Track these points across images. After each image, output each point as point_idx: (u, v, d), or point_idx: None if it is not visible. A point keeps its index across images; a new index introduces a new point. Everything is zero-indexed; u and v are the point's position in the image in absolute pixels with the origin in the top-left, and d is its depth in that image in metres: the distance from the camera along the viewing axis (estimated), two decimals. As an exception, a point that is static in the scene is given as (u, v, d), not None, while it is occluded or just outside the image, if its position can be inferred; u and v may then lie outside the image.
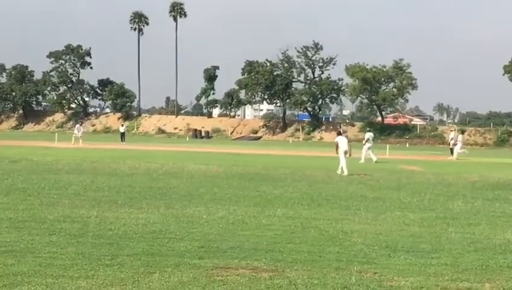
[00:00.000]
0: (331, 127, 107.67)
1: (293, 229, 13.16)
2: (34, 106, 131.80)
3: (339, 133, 32.81)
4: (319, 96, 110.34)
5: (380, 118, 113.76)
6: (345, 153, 29.60)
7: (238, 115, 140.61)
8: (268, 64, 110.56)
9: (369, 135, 43.49)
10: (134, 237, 11.77)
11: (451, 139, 53.99)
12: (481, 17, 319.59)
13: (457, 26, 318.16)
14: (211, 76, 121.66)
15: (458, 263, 10.40)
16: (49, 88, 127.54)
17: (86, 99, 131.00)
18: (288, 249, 11.02)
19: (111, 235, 11.90)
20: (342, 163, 29.39)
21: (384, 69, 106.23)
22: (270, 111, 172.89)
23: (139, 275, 9.07)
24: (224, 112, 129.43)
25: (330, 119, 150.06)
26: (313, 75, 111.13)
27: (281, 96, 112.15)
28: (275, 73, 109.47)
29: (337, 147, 30.24)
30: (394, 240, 12.23)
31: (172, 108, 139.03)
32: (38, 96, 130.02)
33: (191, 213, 14.92)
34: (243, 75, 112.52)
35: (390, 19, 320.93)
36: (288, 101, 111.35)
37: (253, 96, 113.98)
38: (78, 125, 63.50)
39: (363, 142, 43.25)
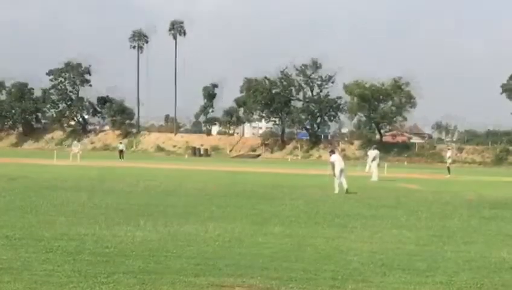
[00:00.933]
0: (330, 145, 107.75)
1: (290, 248, 13.17)
2: (33, 123, 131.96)
3: (332, 152, 31.46)
4: (318, 114, 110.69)
5: (378, 136, 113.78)
6: (341, 171, 28.81)
7: (237, 133, 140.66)
8: (267, 82, 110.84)
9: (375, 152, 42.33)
10: (131, 254, 11.78)
11: (449, 157, 54.24)
12: (479, 33, 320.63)
13: (457, 42, 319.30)
14: (210, 94, 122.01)
15: (453, 282, 10.41)
16: (48, 106, 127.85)
17: (86, 116, 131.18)
18: (284, 267, 11.04)
19: (107, 253, 11.91)
20: (336, 181, 28.68)
21: (383, 87, 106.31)
22: (269, 129, 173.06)
23: (135, 293, 9.09)
24: (223, 129, 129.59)
25: (329, 137, 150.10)
26: (312, 93, 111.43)
27: (280, 114, 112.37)
28: (273, 91, 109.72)
29: (333, 166, 29.29)
30: (390, 258, 12.24)
31: (172, 125, 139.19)
32: (37, 113, 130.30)
33: (188, 231, 14.93)
34: (241, 92, 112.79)
35: (393, 34, 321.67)
36: (287, 119, 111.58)
37: (251, 114, 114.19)
38: (75, 142, 63.56)
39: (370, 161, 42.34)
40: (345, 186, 28.49)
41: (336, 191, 28.34)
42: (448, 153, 56.33)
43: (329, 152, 32.23)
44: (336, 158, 29.79)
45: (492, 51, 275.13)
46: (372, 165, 41.59)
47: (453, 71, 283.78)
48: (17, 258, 11.08)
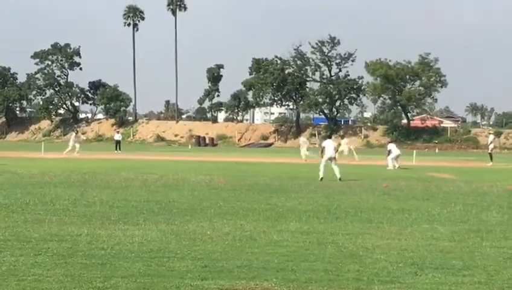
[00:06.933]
0: (351, 132, 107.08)
1: (308, 246, 13.17)
2: (17, 112, 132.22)
3: (329, 137, 36.79)
4: (337, 96, 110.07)
5: (405, 121, 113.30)
6: (330, 159, 31.14)
7: (247, 120, 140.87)
8: (278, 61, 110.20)
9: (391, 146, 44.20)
10: (130, 256, 11.80)
11: (491, 143, 54.14)
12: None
13: (489, 18, 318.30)
14: (214, 76, 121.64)
15: (493, 281, 10.39)
16: (34, 92, 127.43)
17: (76, 104, 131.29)
18: (302, 268, 11.03)
19: (103, 254, 11.93)
20: (321, 167, 30.93)
21: (409, 65, 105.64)
22: (282, 114, 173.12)
23: (135, 298, 9.11)
24: (231, 116, 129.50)
25: (350, 123, 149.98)
26: (330, 73, 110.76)
27: (294, 97, 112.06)
28: (286, 71, 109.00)
29: (322, 150, 31.75)
30: (421, 256, 12.22)
31: (173, 112, 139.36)
32: (22, 101, 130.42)
33: (193, 229, 14.94)
34: (250, 74, 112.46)
35: (416, 11, 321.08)
36: (301, 102, 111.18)
37: (261, 98, 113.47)
38: (73, 135, 63.02)
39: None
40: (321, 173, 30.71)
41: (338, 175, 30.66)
42: (490, 138, 56.31)
43: (327, 137, 38.63)
44: (326, 143, 32.24)
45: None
46: (388, 157, 43.58)
47: (488, 48, 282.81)
48: (2, 262, 11.11)
